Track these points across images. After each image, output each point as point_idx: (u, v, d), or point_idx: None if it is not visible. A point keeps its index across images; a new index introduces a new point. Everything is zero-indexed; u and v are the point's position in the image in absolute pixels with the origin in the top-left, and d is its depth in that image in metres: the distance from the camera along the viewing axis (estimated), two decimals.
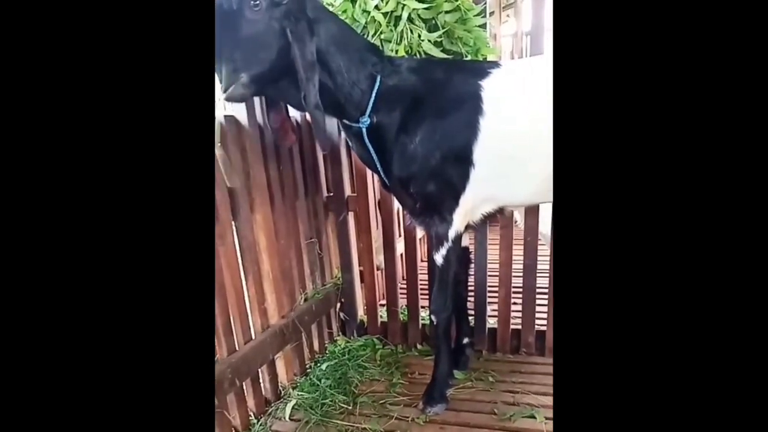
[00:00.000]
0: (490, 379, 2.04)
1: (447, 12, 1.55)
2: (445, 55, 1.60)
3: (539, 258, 2.09)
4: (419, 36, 1.51)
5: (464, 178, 1.58)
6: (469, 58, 1.69)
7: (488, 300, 2.25)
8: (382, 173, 1.69)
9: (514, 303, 2.20)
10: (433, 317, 1.85)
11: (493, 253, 2.19)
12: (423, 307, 2.34)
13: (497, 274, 2.16)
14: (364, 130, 1.58)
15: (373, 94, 1.54)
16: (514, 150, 1.55)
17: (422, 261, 2.70)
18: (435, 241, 1.71)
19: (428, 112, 1.54)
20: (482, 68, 1.57)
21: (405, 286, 2.35)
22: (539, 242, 2.08)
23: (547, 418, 1.76)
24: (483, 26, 1.68)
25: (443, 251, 1.71)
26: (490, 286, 2.22)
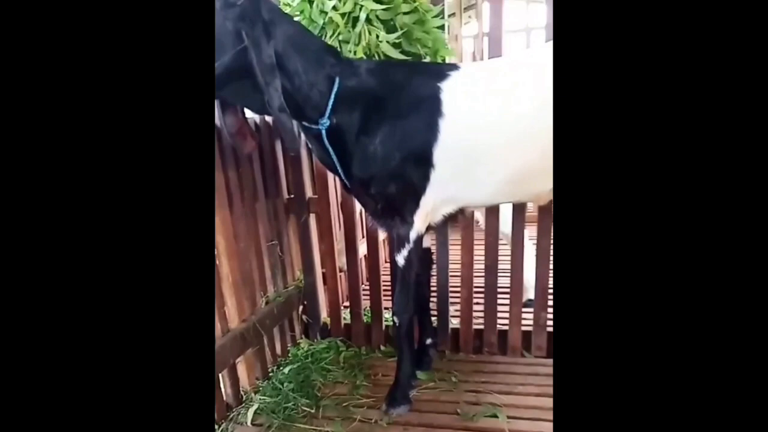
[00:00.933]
0: (453, 379, 2.05)
1: (405, 13, 1.55)
2: (404, 57, 1.60)
3: (500, 258, 2.11)
4: (377, 37, 1.50)
5: (424, 179, 1.59)
6: (428, 59, 1.69)
7: (451, 300, 2.26)
8: (342, 174, 1.68)
9: (477, 303, 2.22)
10: (395, 318, 1.85)
11: (455, 253, 2.20)
12: (386, 308, 2.33)
13: (459, 274, 2.17)
14: (323, 131, 1.57)
15: (332, 96, 1.53)
16: (473, 151, 1.56)
17: (385, 262, 2.69)
18: (396, 243, 1.71)
19: (388, 113, 1.54)
20: (441, 70, 1.58)
21: (368, 287, 2.34)
22: (500, 242, 2.11)
23: (509, 417, 1.78)
24: (441, 28, 1.69)
25: (404, 252, 1.71)
26: (452, 287, 2.24)
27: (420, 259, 1.83)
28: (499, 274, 2.13)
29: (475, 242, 2.14)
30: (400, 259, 1.73)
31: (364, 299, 2.37)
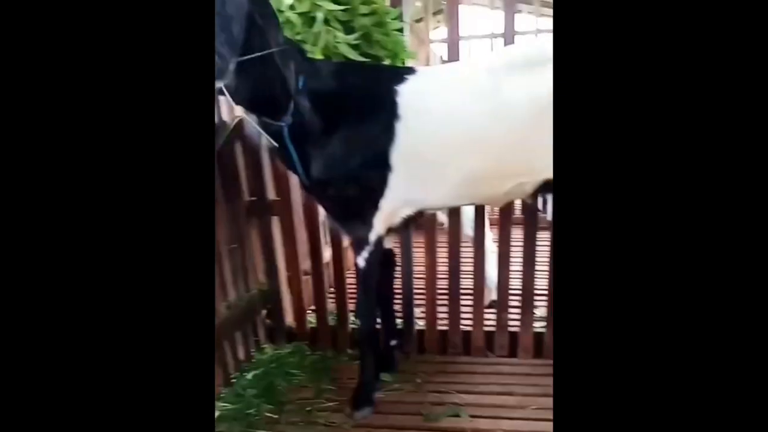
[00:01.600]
0: (418, 380, 2.05)
1: (364, 15, 1.55)
2: (363, 59, 1.60)
3: (462, 260, 2.13)
4: (335, 38, 1.50)
5: (382, 181, 1.60)
6: (388, 62, 1.69)
7: (415, 302, 2.27)
8: (302, 175, 1.68)
9: (441, 305, 2.23)
10: (357, 320, 1.85)
11: (419, 255, 2.21)
12: (352, 311, 2.32)
13: (423, 276, 2.18)
14: (285, 129, 1.56)
15: (296, 95, 1.53)
16: (430, 154, 1.57)
17: (352, 267, 2.68)
18: (356, 245, 1.72)
19: (347, 116, 1.56)
20: (399, 74, 1.59)
21: (333, 290, 2.33)
22: (464, 244, 2.12)
23: (471, 416, 1.80)
24: (401, 30, 1.69)
25: (365, 254, 1.71)
26: (416, 289, 2.24)
27: (382, 261, 1.84)
28: (461, 276, 2.15)
29: (439, 244, 2.15)
30: (361, 261, 1.73)
31: (330, 302, 2.36)
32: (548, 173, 1.55)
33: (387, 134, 1.54)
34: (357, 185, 1.60)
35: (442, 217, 2.33)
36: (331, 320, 2.36)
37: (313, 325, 2.38)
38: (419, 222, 2.02)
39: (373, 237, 1.69)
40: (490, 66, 1.57)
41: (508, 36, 1.84)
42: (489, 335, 2.20)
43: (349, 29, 1.57)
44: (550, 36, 1.71)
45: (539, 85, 1.47)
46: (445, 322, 2.23)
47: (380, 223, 1.68)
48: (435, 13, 5.31)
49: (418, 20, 4.79)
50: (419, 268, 2.20)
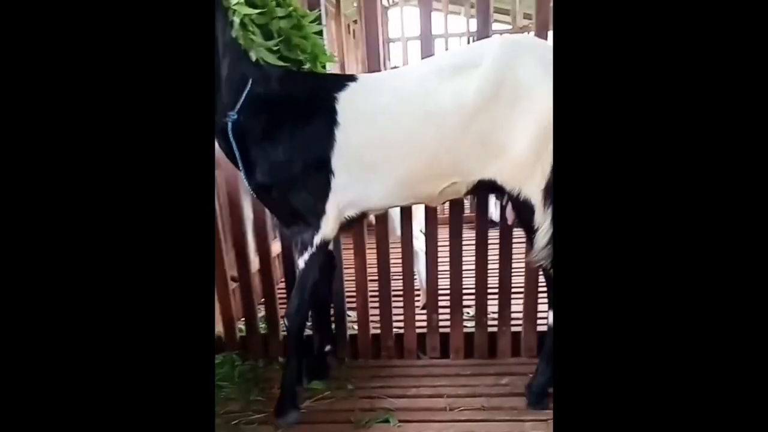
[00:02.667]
0: (350, 386, 2.03)
1: (280, 18, 1.51)
2: (282, 63, 1.56)
3: (392, 262, 2.12)
4: (253, 42, 1.45)
5: (326, 185, 1.65)
6: (307, 65, 1.67)
7: (348, 307, 2.25)
8: (244, 175, 1.69)
9: (372, 308, 2.22)
10: (285, 321, 1.82)
11: (348, 258, 2.19)
12: (283, 317, 2.28)
13: (354, 279, 2.17)
14: (229, 124, 1.56)
15: (243, 95, 1.56)
16: (368, 157, 1.63)
17: (281, 279, 2.63)
18: (300, 246, 1.74)
19: (290, 122, 1.60)
20: (340, 81, 1.65)
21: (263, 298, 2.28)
22: (391, 245, 2.12)
23: (401, 421, 1.79)
24: (320, 33, 1.67)
25: (306, 256, 1.73)
26: (348, 292, 2.22)
27: (322, 264, 1.85)
28: (392, 278, 2.14)
29: (368, 246, 2.14)
30: (301, 262, 1.74)
31: (260, 309, 2.31)
32: (480, 174, 1.63)
33: (327, 140, 1.60)
34: (300, 189, 1.65)
35: (371, 218, 2.32)
36: (261, 329, 2.31)
37: (243, 334, 2.32)
38: (364, 222, 2.04)
39: (317, 240, 1.71)
40: (421, 72, 1.63)
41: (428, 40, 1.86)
42: (421, 337, 2.21)
43: (267, 33, 1.52)
44: (477, 41, 1.74)
45: (465, 90, 1.53)
46: (378, 325, 2.22)
47: (327, 225, 1.70)
48: None
49: (355, 21, 4.77)
50: (349, 271, 2.18)
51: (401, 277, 2.14)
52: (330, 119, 1.59)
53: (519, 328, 2.15)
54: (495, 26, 5.55)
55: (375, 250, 2.10)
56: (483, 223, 2.05)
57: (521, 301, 2.13)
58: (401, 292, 2.16)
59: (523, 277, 2.08)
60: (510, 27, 5.44)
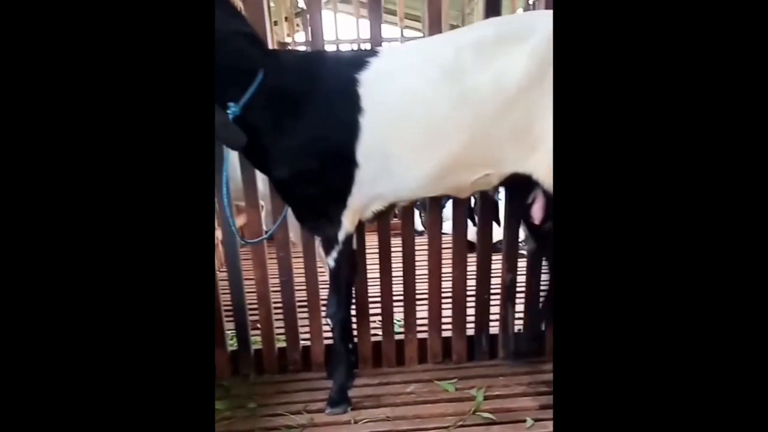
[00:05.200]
0: (251, 405, 1.92)
1: None
2: None
3: (295, 272, 2.03)
4: None
5: (349, 179, 1.53)
6: None
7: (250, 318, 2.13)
8: (260, 170, 1.66)
9: (277, 319, 2.11)
10: (329, 321, 1.80)
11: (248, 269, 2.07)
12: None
13: (255, 291, 2.05)
14: (230, 117, 1.45)
15: (253, 87, 1.45)
16: (396, 147, 1.49)
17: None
18: (325, 245, 1.68)
19: (307, 111, 1.48)
20: (361, 59, 1.49)
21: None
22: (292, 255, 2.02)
23: None
24: None
25: (334, 254, 1.67)
26: (249, 304, 2.10)
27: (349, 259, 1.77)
28: (296, 289, 2.05)
29: (270, 256, 2.04)
30: (331, 261, 1.69)
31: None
32: (515, 167, 1.50)
33: (351, 128, 1.46)
34: (321, 184, 1.54)
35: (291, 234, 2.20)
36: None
37: None
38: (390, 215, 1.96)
39: (342, 236, 1.63)
40: (458, 44, 1.45)
41: (375, 42, 1.76)
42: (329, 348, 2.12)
43: None
44: (531, 12, 1.64)
45: (509, 69, 1.37)
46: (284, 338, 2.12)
47: (349, 221, 1.62)
48: (296, 15, 5.22)
49: (275, 23, 4.67)
50: (249, 283, 2.06)
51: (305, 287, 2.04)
52: (352, 105, 1.44)
53: (425, 335, 2.12)
54: (407, 32, 5.60)
55: (276, 260, 1.99)
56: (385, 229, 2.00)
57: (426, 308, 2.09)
58: (306, 303, 2.06)
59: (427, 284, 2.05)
60: (421, 34, 5.50)
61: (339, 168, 1.52)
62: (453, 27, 4.20)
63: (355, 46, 4.82)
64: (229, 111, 1.45)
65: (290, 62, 1.53)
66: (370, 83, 1.46)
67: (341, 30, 4.98)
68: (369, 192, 1.59)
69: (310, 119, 1.49)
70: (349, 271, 1.77)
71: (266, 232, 1.91)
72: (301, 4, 5.32)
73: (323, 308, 2.08)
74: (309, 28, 2.07)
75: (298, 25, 5.59)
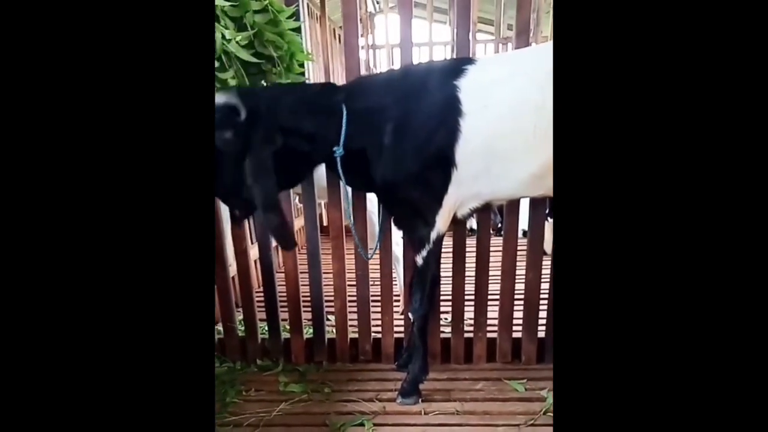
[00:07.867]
0: (326, 390, 2.01)
1: (256, 12, 1.49)
2: (255, 59, 1.54)
3: (371, 267, 2.10)
4: (223, 36, 1.43)
5: (446, 179, 1.59)
6: (285, 63, 1.65)
7: (326, 310, 2.22)
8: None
9: (351, 312, 2.19)
10: (410, 315, 1.88)
11: (327, 263, 2.16)
12: (261, 320, 2.25)
13: (332, 284, 2.14)
14: (338, 160, 1.59)
15: (343, 126, 1.57)
16: (498, 148, 1.55)
17: (278, 271, 2.60)
18: (417, 244, 1.73)
19: (405, 120, 1.55)
20: (457, 67, 1.57)
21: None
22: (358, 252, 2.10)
23: (376, 424, 1.77)
24: (297, 30, 1.65)
25: (423, 253, 1.73)
26: (326, 296, 2.20)
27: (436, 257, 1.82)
28: (370, 284, 2.12)
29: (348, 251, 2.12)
30: (419, 259, 1.75)
31: (238, 312, 2.28)
32: None
33: (451, 132, 1.52)
34: (420, 186, 1.61)
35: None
36: (239, 331, 2.28)
37: (221, 336, 2.29)
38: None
39: (433, 236, 1.69)
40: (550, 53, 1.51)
41: (461, 46, 1.82)
42: (400, 342, 2.19)
43: (241, 27, 1.51)
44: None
45: None
46: (356, 329, 2.20)
47: (442, 220, 1.68)
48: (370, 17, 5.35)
49: (341, 27, 4.79)
50: (327, 275, 2.15)
51: (379, 282, 2.11)
52: (453, 110, 1.51)
53: (494, 335, 2.14)
54: (479, 36, 5.58)
55: (353, 255, 2.08)
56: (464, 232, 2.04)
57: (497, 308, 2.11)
58: (379, 297, 2.14)
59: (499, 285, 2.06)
60: (493, 38, 5.47)
61: (438, 169, 1.59)
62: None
63: (427, 50, 4.89)
64: (335, 154, 1.58)
65: (368, 85, 1.60)
66: (471, 89, 1.53)
67: (414, 34, 5.03)
68: (466, 191, 1.64)
69: (410, 127, 1.55)
70: (436, 270, 1.81)
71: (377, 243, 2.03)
72: (370, 8, 5.44)
73: (395, 303, 2.15)
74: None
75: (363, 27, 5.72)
